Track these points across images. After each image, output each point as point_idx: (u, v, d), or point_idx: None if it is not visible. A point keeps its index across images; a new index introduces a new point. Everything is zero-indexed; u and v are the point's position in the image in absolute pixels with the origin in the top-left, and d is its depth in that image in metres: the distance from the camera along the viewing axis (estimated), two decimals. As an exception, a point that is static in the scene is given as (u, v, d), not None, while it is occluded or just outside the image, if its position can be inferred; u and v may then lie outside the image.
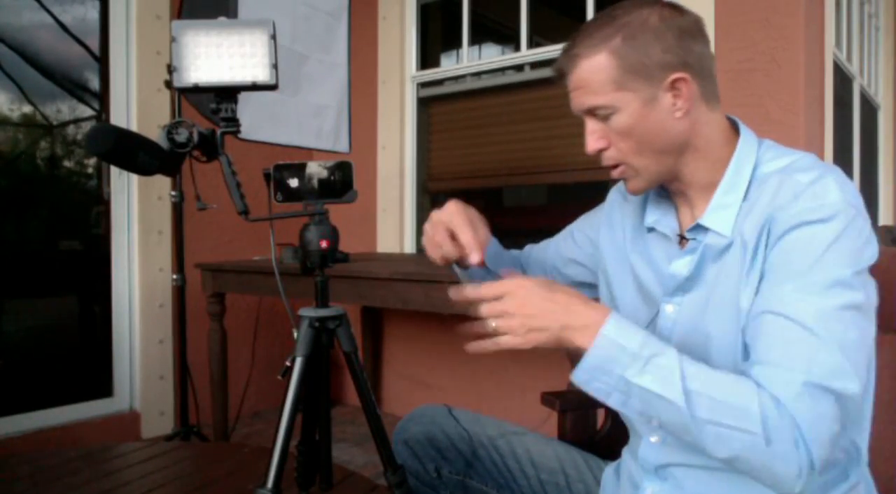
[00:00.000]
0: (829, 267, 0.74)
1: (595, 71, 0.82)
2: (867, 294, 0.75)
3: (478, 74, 2.98)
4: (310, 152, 2.88)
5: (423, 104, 3.16)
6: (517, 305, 0.76)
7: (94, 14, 2.67)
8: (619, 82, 0.82)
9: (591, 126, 0.86)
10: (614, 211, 1.05)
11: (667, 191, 0.94)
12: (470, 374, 2.88)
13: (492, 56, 2.98)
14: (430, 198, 3.18)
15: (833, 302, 0.73)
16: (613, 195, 1.08)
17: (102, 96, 2.71)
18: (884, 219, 3.54)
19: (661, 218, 0.94)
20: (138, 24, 2.68)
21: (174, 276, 2.47)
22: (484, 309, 0.77)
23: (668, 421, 0.73)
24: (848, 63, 2.84)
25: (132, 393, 2.74)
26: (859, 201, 0.78)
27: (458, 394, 2.91)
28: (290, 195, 1.05)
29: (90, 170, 2.73)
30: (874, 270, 0.78)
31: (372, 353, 3.21)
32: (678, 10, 0.84)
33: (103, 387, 2.69)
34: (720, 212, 0.85)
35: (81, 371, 2.66)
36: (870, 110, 3.37)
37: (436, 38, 3.25)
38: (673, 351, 0.74)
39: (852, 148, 2.99)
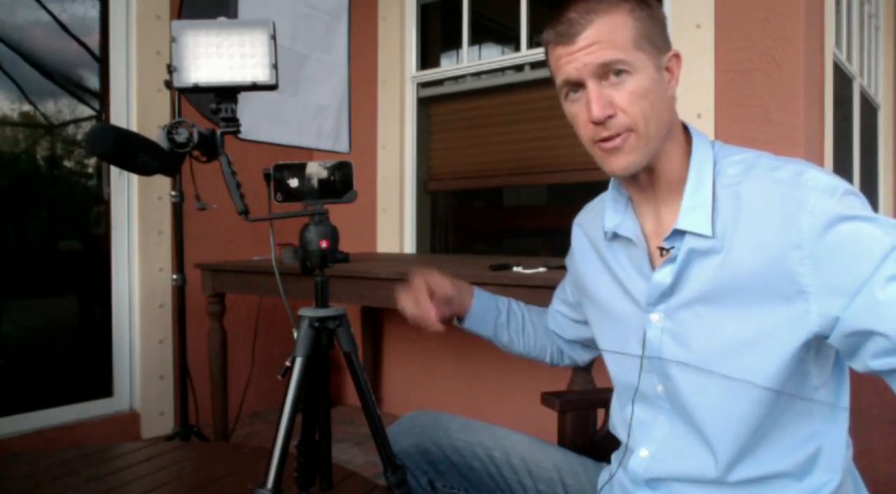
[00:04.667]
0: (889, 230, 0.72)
1: (617, 27, 0.82)
2: None
3: (478, 74, 2.98)
4: (310, 152, 2.88)
5: (423, 104, 3.16)
6: None
7: (93, 13, 2.67)
8: (637, 43, 0.82)
9: (597, 92, 0.82)
10: (581, 238, 1.06)
11: (624, 196, 0.94)
12: (470, 374, 2.87)
13: (492, 56, 2.98)
14: (430, 198, 3.18)
15: None
16: (574, 230, 1.10)
17: (102, 96, 2.71)
18: (884, 218, 3.53)
19: (620, 222, 0.94)
20: (138, 24, 2.68)
21: (174, 276, 2.47)
22: None
23: None
24: (848, 63, 2.84)
25: (132, 393, 2.74)
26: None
27: (458, 395, 2.91)
28: (290, 195, 1.04)
29: (90, 170, 2.73)
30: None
31: (372, 353, 3.21)
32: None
33: (103, 387, 2.69)
34: (695, 212, 0.83)
35: (81, 371, 2.66)
36: (870, 110, 3.36)
37: (436, 38, 3.25)
38: None
39: (852, 148, 2.99)
